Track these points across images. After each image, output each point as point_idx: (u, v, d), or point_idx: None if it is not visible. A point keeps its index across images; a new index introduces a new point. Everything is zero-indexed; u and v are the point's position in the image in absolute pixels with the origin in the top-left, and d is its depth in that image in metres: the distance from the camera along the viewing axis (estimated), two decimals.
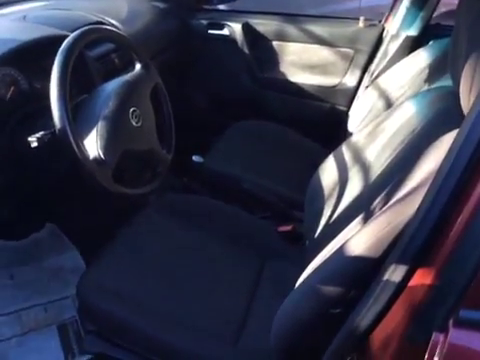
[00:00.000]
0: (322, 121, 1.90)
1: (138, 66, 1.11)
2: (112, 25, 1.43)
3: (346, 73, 1.82)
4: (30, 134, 0.91)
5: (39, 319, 1.32)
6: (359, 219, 0.85)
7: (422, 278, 0.51)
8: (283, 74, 1.89)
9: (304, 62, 1.86)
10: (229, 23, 1.86)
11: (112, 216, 1.35)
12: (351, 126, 1.63)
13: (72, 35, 0.93)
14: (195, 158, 1.42)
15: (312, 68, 1.86)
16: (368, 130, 1.13)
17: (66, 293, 1.40)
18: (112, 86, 1.02)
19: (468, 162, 0.48)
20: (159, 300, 1.02)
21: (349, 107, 1.83)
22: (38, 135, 0.90)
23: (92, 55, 1.23)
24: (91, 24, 1.31)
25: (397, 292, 0.53)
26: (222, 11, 1.94)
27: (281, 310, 0.81)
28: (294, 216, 1.38)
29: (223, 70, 1.96)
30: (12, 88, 1.01)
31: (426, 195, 0.53)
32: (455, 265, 0.49)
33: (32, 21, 1.25)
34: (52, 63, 0.91)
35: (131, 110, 1.01)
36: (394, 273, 0.53)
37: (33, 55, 1.05)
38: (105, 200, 1.22)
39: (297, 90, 1.88)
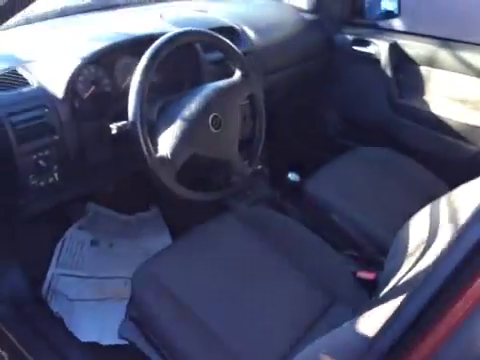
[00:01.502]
0: (463, 164, 1.63)
1: (238, 74, 1.11)
2: (243, 32, 1.46)
3: None
4: (115, 121, 0.98)
5: (117, 291, 1.43)
6: None
7: None
8: (426, 104, 1.68)
9: (454, 94, 1.62)
10: (376, 41, 1.73)
11: (210, 212, 1.37)
12: None
13: (165, 36, 0.97)
14: (291, 176, 1.36)
15: (463, 103, 1.61)
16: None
17: None
18: (202, 89, 1.04)
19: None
20: (207, 312, 0.99)
21: None
22: (119, 124, 0.96)
23: (208, 58, 1.26)
24: (219, 28, 1.36)
25: None
26: (371, 28, 1.81)
27: None
28: (382, 263, 1.21)
29: (360, 89, 1.84)
30: (92, 88, 1.08)
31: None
32: None
33: (168, 20, 1.34)
34: None
35: (212, 115, 1.00)
36: None
37: (134, 51, 1.09)
38: None
39: (440, 124, 1.65)
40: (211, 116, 1.00)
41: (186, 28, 1.03)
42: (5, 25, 1.20)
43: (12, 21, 1.23)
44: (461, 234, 0.48)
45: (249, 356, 0.93)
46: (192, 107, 0.99)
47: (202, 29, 1.05)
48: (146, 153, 0.93)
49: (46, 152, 0.98)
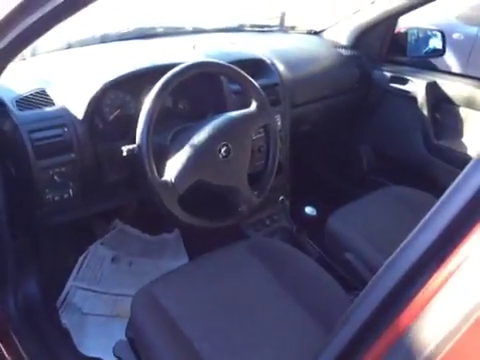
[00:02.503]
0: None
1: (253, 105, 1.12)
2: (273, 64, 1.48)
3: None
4: (128, 143, 1.02)
5: (128, 310, 1.45)
6: None
7: None
8: (463, 146, 1.61)
9: None
10: (414, 79, 1.69)
11: (228, 238, 1.37)
12: None
13: (177, 67, 1.00)
14: (308, 210, 1.34)
15: None
16: None
17: None
18: (216, 118, 1.06)
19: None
20: (201, 341, 0.97)
21: None
22: (129, 147, 1.00)
23: (233, 88, 1.29)
24: (248, 60, 1.39)
25: None
26: (409, 66, 1.78)
27: None
28: None
29: (396, 127, 1.80)
30: (118, 111, 1.13)
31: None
32: None
33: (199, 51, 1.39)
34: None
35: (221, 144, 1.02)
36: None
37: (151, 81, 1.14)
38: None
39: None
40: (220, 144, 1.02)
41: (199, 60, 1.06)
42: (47, 49, 1.30)
43: (53, 45, 1.34)
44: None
45: None
46: (202, 134, 1.01)
47: (216, 61, 1.09)
48: (150, 176, 0.95)
49: (62, 169, 1.04)
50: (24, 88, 1.08)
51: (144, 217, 1.73)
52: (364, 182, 1.90)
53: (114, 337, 1.34)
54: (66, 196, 1.06)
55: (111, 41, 1.44)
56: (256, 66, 1.41)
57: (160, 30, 1.58)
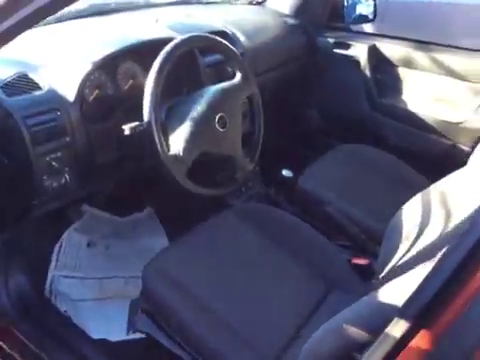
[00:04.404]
0: (439, 158, 1.75)
1: (238, 76, 1.17)
2: (234, 35, 1.52)
3: (476, 111, 1.65)
4: (128, 122, 1.02)
5: (117, 290, 1.46)
6: (421, 267, 0.78)
7: (422, 341, 0.45)
8: (404, 102, 1.79)
9: (429, 93, 1.75)
10: (356, 44, 1.83)
11: (206, 210, 1.42)
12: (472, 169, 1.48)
13: (175, 41, 1.02)
14: (285, 172, 1.43)
15: (437, 101, 1.74)
16: (465, 173, 1.02)
17: None
18: (207, 91, 1.09)
19: None
20: (214, 300, 1.05)
21: (473, 148, 1.65)
22: (132, 125, 1.00)
23: (206, 61, 1.32)
24: (212, 33, 1.41)
25: (395, 349, 0.48)
26: (351, 31, 1.92)
27: (309, 342, 0.79)
28: (374, 250, 1.30)
29: (342, 90, 1.94)
30: (96, 92, 1.11)
31: (443, 253, 0.48)
32: (454, 336, 0.43)
33: (164, 25, 1.39)
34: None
35: (218, 116, 1.06)
36: (395, 328, 0.48)
37: (136, 55, 1.14)
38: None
39: (416, 121, 1.76)
40: (217, 116, 1.06)
41: (193, 34, 1.09)
42: None
43: None
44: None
45: (257, 340, 1.00)
46: (199, 108, 1.05)
47: (207, 34, 1.11)
48: (161, 152, 0.98)
49: (58, 154, 1.01)
50: (2, 73, 1.02)
51: (112, 200, 1.72)
52: (314, 144, 2.03)
53: (111, 318, 1.37)
54: (63, 181, 1.04)
55: (68, 19, 1.38)
56: (221, 37, 1.44)
57: (113, 6, 1.54)
